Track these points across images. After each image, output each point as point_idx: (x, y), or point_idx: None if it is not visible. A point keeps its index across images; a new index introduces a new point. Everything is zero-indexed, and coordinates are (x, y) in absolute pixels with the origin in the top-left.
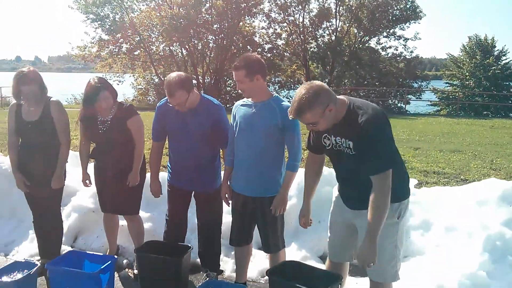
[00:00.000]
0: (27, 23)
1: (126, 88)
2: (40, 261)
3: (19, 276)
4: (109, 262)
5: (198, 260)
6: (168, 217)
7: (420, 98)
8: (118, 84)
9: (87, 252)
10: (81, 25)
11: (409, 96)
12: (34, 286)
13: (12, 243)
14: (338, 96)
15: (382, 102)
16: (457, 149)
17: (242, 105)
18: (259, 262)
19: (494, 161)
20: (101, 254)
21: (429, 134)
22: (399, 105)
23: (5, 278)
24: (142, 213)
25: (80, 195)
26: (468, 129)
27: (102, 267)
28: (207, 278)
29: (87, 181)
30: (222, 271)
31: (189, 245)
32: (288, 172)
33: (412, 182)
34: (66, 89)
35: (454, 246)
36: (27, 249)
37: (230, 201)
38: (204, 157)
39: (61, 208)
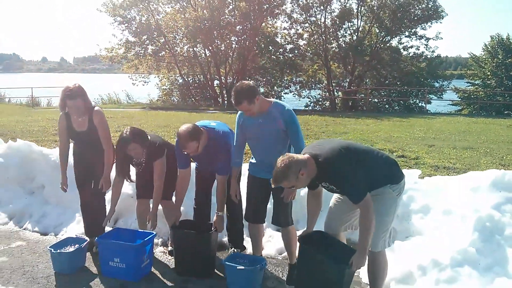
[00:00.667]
0: (53, 25)
1: (151, 89)
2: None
3: (71, 249)
4: (151, 235)
5: (225, 239)
6: (195, 198)
7: (441, 98)
8: (143, 85)
9: (130, 229)
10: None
11: (430, 95)
12: (84, 258)
13: (61, 225)
14: (303, 157)
15: (403, 101)
16: (470, 146)
17: (246, 116)
18: (276, 241)
19: (504, 157)
20: (142, 230)
21: (445, 132)
22: (420, 104)
23: (59, 251)
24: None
25: None
26: (485, 128)
27: (145, 239)
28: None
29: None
30: (245, 247)
31: None
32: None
33: (416, 173)
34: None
35: (449, 227)
36: (74, 230)
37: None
38: None
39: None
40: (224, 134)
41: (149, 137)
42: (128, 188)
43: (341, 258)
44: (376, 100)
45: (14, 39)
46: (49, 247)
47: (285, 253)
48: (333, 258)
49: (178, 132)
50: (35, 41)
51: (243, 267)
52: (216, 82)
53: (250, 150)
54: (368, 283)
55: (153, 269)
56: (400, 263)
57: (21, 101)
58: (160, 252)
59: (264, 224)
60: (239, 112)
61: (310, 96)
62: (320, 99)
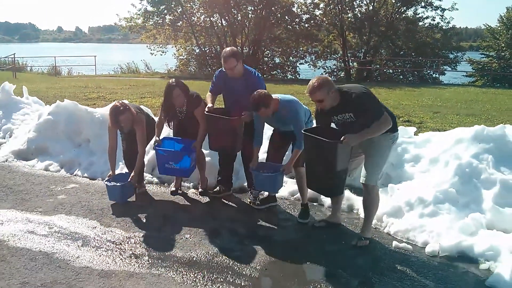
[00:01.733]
0: None
1: (168, 59)
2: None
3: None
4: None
5: (245, 184)
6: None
7: (455, 69)
8: (161, 55)
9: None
10: None
11: (444, 66)
12: (133, 191)
13: (107, 171)
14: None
15: (418, 72)
16: (473, 113)
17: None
18: (289, 186)
19: (503, 123)
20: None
21: (452, 101)
22: (434, 75)
23: (113, 183)
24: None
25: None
26: (493, 98)
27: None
28: (251, 195)
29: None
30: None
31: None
32: (296, 150)
33: (412, 129)
34: (110, 59)
35: (435, 172)
36: None
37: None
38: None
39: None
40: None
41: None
42: None
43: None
44: (391, 70)
45: (29, 8)
46: (105, 181)
47: (297, 195)
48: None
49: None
50: (50, 10)
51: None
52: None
53: None
54: (364, 215)
55: (186, 203)
56: (392, 201)
57: (43, 70)
58: (192, 193)
59: None
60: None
61: (325, 67)
62: (335, 70)
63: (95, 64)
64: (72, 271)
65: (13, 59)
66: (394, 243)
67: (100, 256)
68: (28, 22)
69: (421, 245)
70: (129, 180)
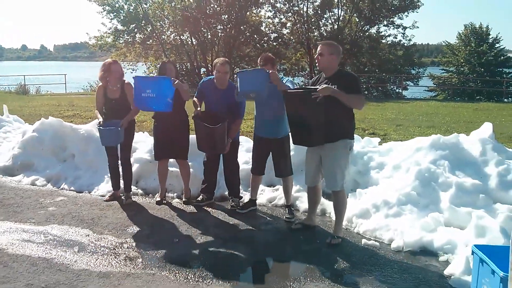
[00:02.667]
0: (32, 12)
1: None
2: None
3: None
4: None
5: (226, 193)
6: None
7: (417, 84)
8: (131, 72)
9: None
10: (90, 14)
11: (407, 82)
12: (122, 135)
13: (92, 185)
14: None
15: (382, 87)
16: (433, 125)
17: None
18: (267, 194)
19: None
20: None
21: (414, 114)
22: (397, 90)
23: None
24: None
25: (138, 151)
26: (452, 111)
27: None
28: (233, 203)
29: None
30: (241, 197)
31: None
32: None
33: (376, 140)
34: (77, 77)
35: (397, 177)
36: (104, 187)
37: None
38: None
39: None
40: None
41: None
42: (145, 155)
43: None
44: None
45: None
46: (97, 126)
47: (274, 201)
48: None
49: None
50: (14, 29)
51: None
52: (202, 69)
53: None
54: (335, 217)
55: (171, 211)
56: (360, 204)
57: (10, 88)
58: (176, 203)
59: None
60: None
61: (294, 83)
62: (303, 86)
63: (65, 82)
64: (72, 273)
65: None
66: (363, 240)
67: (96, 259)
68: None
69: (387, 242)
70: (120, 125)
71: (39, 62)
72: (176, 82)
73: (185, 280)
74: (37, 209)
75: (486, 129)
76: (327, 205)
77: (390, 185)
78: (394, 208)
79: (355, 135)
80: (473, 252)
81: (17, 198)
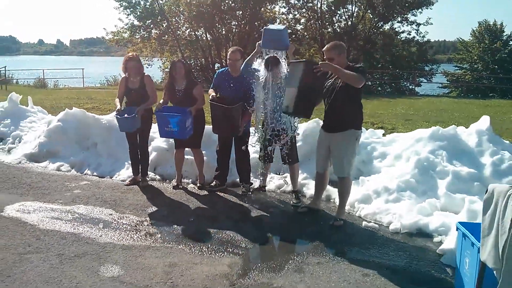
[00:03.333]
0: (49, 7)
1: (154, 71)
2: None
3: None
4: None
5: (237, 179)
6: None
7: (431, 81)
8: (147, 67)
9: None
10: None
11: (420, 78)
12: (139, 122)
13: (114, 171)
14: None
15: (395, 84)
16: (442, 120)
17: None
18: (276, 181)
19: None
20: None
21: (424, 110)
22: (410, 87)
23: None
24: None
25: (156, 140)
26: (463, 107)
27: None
28: (243, 188)
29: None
30: (252, 183)
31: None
32: None
33: (380, 131)
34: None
35: (398, 166)
36: (125, 173)
37: None
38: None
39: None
40: None
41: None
42: (163, 144)
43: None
44: (369, 82)
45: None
46: (115, 114)
47: (283, 188)
48: None
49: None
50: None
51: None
52: (217, 65)
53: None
54: (338, 201)
55: (187, 195)
56: (362, 191)
57: (29, 82)
58: (191, 188)
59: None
60: None
61: None
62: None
63: (83, 77)
64: (98, 246)
65: (4, 72)
66: (364, 223)
67: (119, 234)
68: (9, 35)
69: (386, 224)
70: (136, 112)
71: (56, 56)
72: (193, 108)
73: (199, 253)
74: (63, 191)
75: (484, 121)
76: (332, 191)
77: (391, 173)
78: (394, 194)
79: None
80: (457, 228)
81: (44, 182)
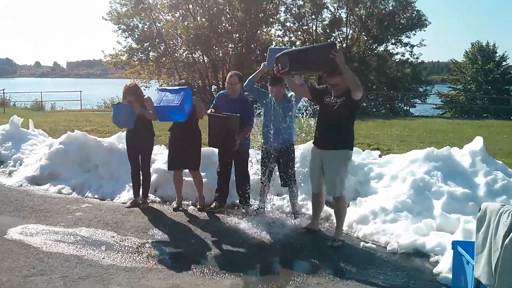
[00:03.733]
0: (46, 29)
1: (152, 93)
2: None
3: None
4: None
5: (237, 201)
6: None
7: (425, 102)
8: (145, 89)
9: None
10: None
11: (415, 99)
12: (134, 117)
13: (115, 193)
14: None
15: (389, 105)
16: (436, 141)
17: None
18: (276, 202)
19: None
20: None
21: (419, 130)
22: (405, 108)
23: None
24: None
25: (157, 162)
26: (457, 128)
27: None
28: (243, 210)
29: None
30: (251, 204)
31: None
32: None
33: (377, 153)
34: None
35: (394, 187)
36: (126, 195)
37: None
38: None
39: None
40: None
41: None
42: (163, 166)
43: None
44: (364, 104)
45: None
46: (113, 104)
47: (282, 209)
48: None
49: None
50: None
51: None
52: (214, 87)
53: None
54: (336, 222)
55: (187, 217)
56: (360, 211)
57: (26, 105)
58: (192, 209)
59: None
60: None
61: (302, 100)
62: (312, 102)
63: (80, 99)
64: (102, 268)
65: (2, 94)
66: (362, 243)
67: (122, 256)
68: (5, 57)
69: (384, 244)
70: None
71: (52, 78)
72: (194, 97)
73: (201, 274)
74: (65, 214)
75: (477, 142)
76: (330, 212)
77: (388, 194)
78: (390, 215)
79: (356, 148)
80: (452, 247)
81: (46, 204)
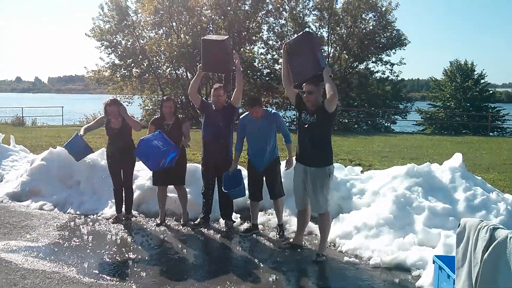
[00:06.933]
0: (27, 44)
1: (134, 109)
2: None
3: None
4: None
5: (220, 219)
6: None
7: (405, 118)
8: (127, 105)
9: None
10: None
11: (395, 116)
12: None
13: (97, 209)
14: None
15: (371, 121)
16: (416, 157)
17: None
18: (259, 218)
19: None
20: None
21: (400, 147)
22: (386, 124)
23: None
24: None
25: (140, 178)
26: (437, 144)
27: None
28: (226, 227)
29: None
30: (234, 221)
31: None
32: (288, 144)
33: (358, 168)
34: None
35: (376, 202)
36: (108, 211)
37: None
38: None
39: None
40: None
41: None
42: (146, 182)
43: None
44: (346, 120)
45: None
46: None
47: (266, 224)
48: None
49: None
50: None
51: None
52: None
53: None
54: (320, 237)
55: (170, 232)
56: (343, 227)
57: (6, 120)
58: (174, 225)
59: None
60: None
61: (285, 117)
62: (295, 119)
63: (62, 115)
64: (84, 285)
65: None
66: (345, 258)
67: (104, 273)
68: None
69: (366, 259)
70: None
71: (34, 94)
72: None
73: (191, 286)
74: (46, 230)
75: (457, 158)
76: (314, 227)
77: (370, 209)
78: (373, 230)
79: (339, 164)
80: (434, 261)
81: (27, 221)
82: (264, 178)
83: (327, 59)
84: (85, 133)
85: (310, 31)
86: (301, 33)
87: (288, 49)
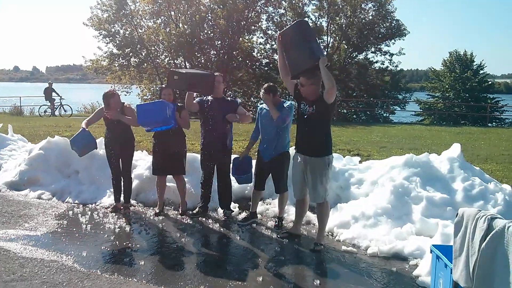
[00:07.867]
0: (25, 34)
1: (132, 99)
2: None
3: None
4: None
5: (218, 208)
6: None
7: (404, 109)
8: (125, 95)
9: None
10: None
11: (394, 106)
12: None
13: (95, 198)
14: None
15: (369, 112)
16: (415, 147)
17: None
18: (259, 207)
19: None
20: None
21: (398, 137)
22: (384, 115)
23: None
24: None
25: (138, 168)
26: (435, 134)
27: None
28: (225, 216)
29: None
30: (232, 210)
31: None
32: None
33: (357, 158)
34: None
35: (375, 192)
36: (106, 201)
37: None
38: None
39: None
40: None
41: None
42: (146, 171)
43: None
44: (345, 110)
45: None
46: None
47: (265, 213)
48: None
49: None
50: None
51: None
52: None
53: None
54: (318, 226)
55: (169, 222)
56: (341, 217)
57: (4, 109)
58: (173, 214)
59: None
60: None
61: None
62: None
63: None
64: (82, 273)
65: None
66: (343, 247)
67: (103, 262)
68: None
69: (364, 248)
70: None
71: (31, 83)
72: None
73: (182, 280)
74: (45, 219)
75: (455, 149)
76: (312, 217)
77: (368, 199)
78: (371, 220)
79: (337, 154)
80: (431, 251)
81: (25, 210)
82: (270, 170)
83: (326, 49)
84: (87, 127)
85: (303, 20)
86: (294, 22)
87: (282, 40)
